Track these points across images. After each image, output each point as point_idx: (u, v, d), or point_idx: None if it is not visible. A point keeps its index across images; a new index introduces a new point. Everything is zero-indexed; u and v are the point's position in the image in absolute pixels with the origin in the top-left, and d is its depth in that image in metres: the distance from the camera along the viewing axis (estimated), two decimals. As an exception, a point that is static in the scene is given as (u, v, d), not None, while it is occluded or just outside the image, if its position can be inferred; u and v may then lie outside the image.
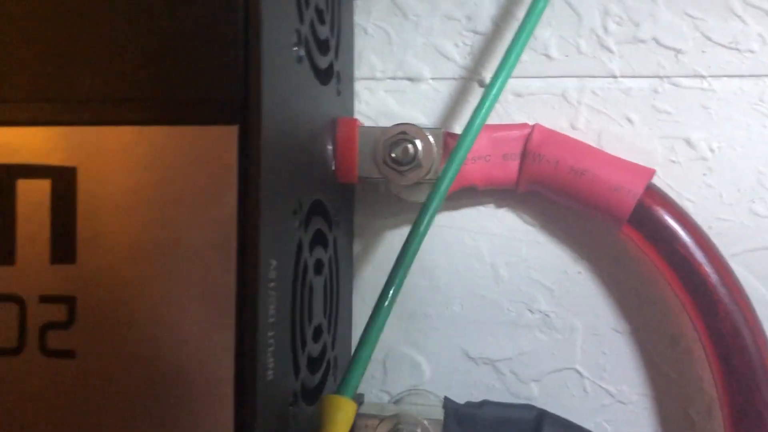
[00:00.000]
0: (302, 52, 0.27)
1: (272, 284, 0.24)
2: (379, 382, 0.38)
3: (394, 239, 0.38)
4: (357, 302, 0.38)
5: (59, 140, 0.24)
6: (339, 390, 0.28)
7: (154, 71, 0.23)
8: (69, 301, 0.24)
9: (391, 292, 0.29)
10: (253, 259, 0.23)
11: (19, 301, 0.24)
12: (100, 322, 0.24)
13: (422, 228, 0.31)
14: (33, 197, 0.24)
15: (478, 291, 0.37)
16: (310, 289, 0.29)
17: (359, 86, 0.38)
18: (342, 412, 0.27)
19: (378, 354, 0.37)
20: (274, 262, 0.24)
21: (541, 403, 0.35)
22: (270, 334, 0.24)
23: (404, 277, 0.30)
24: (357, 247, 0.38)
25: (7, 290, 0.24)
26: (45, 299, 0.24)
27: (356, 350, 0.28)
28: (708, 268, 0.33)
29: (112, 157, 0.24)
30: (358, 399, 0.35)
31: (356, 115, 0.38)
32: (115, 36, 0.24)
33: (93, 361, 0.24)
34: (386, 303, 0.29)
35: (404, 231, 0.37)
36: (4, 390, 0.24)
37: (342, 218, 0.35)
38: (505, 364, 0.37)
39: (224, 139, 0.23)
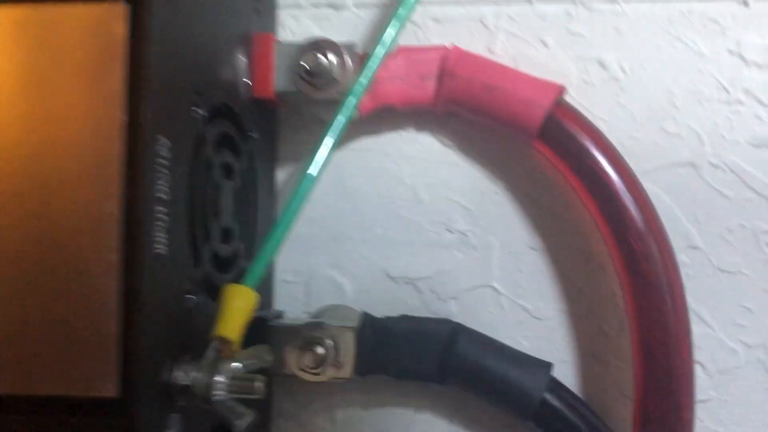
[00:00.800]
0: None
1: (163, 161, 0.25)
2: (302, 304, 0.38)
3: (319, 165, 0.38)
4: (283, 228, 0.38)
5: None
6: (241, 280, 0.28)
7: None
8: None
9: (300, 191, 0.30)
10: (139, 132, 0.24)
11: None
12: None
13: (331, 136, 0.31)
14: None
15: (399, 213, 0.38)
16: (216, 188, 0.30)
17: (284, 14, 0.39)
18: (241, 300, 0.28)
19: (301, 277, 0.38)
20: (166, 142, 0.25)
21: (459, 320, 0.36)
22: (159, 208, 0.24)
23: (311, 181, 0.31)
24: (282, 172, 0.39)
25: None
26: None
27: (262, 242, 0.29)
28: (617, 181, 0.34)
29: (1, 38, 0.24)
30: (277, 313, 0.36)
31: (281, 43, 0.38)
32: None
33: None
34: (294, 201, 0.30)
35: (328, 156, 0.38)
36: None
37: (261, 136, 0.35)
38: (425, 282, 0.37)
39: (114, 15, 0.24)
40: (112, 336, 0.23)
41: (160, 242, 0.25)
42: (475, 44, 0.37)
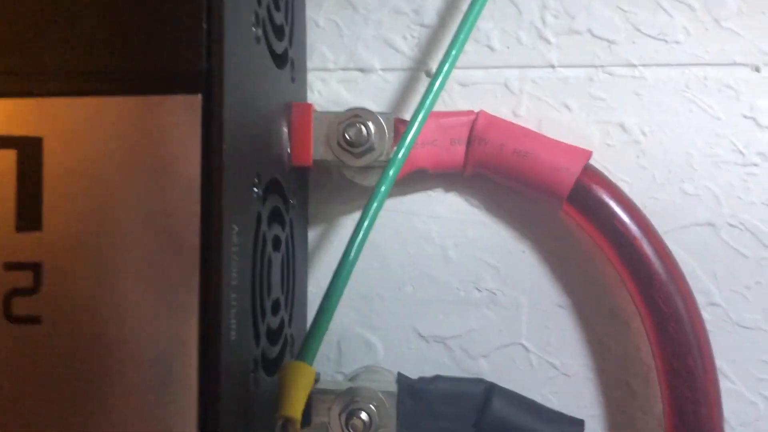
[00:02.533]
0: (260, 33, 0.29)
1: (234, 248, 0.25)
2: (334, 363, 0.39)
3: (348, 224, 0.39)
4: (312, 286, 0.39)
5: (25, 111, 0.25)
6: (299, 357, 0.29)
7: (119, 44, 0.24)
8: (35, 268, 0.24)
9: (348, 261, 0.30)
10: (216, 223, 0.24)
11: (-17, 268, 0.24)
12: (65, 288, 0.24)
13: (374, 207, 0.32)
14: (-1, 167, 0.24)
15: (428, 272, 0.38)
16: (269, 263, 0.30)
17: (312, 77, 0.39)
18: (303, 377, 0.28)
19: (332, 336, 0.39)
20: (236, 228, 0.25)
21: (490, 378, 0.37)
22: (233, 296, 0.25)
23: (359, 252, 0.31)
24: (312, 233, 0.39)
25: (-28, 258, 0.24)
26: (10, 266, 0.24)
27: (314, 319, 0.29)
28: (643, 242, 0.35)
29: (77, 128, 0.24)
30: (315, 377, 0.36)
31: (309, 105, 0.39)
32: (80, 9, 0.24)
33: (59, 326, 0.24)
34: (343, 274, 0.30)
35: (357, 216, 0.39)
36: (-30, 355, 0.24)
37: (297, 201, 0.36)
38: (455, 341, 0.38)
39: (188, 107, 0.24)
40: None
41: (233, 329, 0.25)
42: (500, 108, 0.38)
